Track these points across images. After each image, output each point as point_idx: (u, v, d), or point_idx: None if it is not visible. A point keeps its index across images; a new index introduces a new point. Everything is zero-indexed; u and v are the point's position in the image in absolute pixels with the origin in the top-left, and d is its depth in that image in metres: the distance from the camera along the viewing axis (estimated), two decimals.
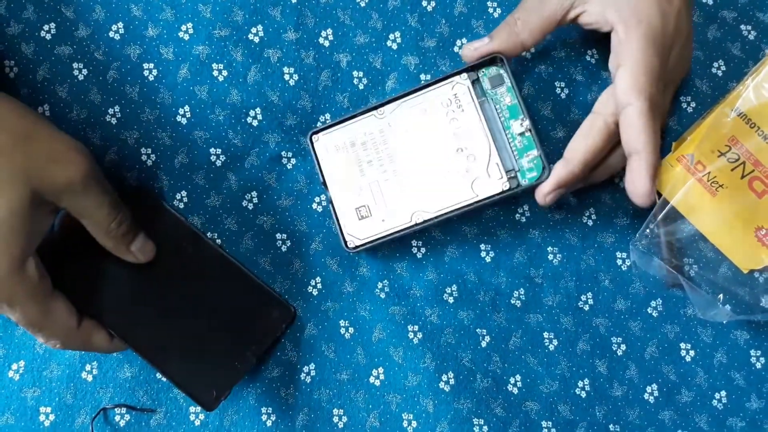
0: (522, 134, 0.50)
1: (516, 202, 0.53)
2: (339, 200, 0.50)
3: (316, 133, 0.51)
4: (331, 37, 0.53)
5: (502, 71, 0.51)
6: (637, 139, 0.46)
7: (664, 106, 0.50)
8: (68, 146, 0.43)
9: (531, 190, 0.50)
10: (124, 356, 0.51)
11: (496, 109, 0.51)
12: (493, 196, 0.49)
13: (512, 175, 0.50)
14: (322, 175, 0.50)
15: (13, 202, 0.41)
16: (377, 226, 0.50)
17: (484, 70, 0.51)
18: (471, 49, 0.50)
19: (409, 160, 0.50)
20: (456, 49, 0.54)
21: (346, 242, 0.50)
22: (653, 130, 0.46)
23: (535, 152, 0.50)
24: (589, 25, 0.49)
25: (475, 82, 0.51)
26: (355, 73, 0.53)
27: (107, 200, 0.45)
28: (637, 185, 0.47)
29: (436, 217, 0.50)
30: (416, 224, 0.50)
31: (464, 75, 0.51)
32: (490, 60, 0.51)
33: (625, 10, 0.47)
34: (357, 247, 0.50)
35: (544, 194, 0.49)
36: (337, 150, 0.51)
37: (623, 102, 0.46)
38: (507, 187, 0.50)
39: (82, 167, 0.43)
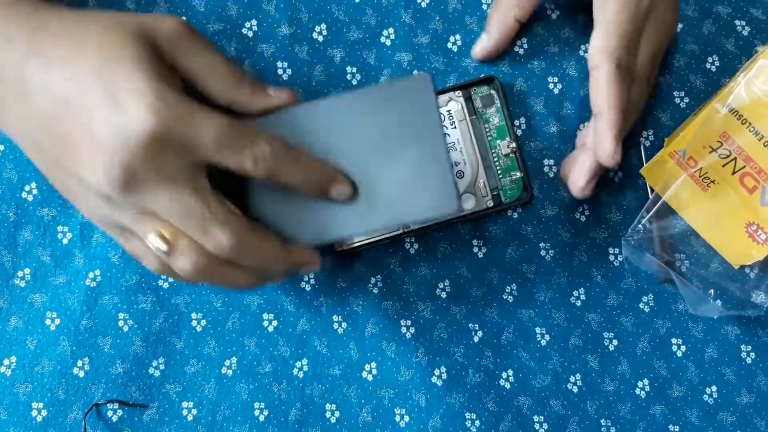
0: (507, 155, 0.52)
1: None
2: None
3: None
4: (325, 32, 0.53)
5: (493, 92, 0.53)
6: (603, 100, 0.46)
7: (645, 73, 0.49)
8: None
9: (511, 207, 0.53)
10: (116, 352, 0.51)
11: (485, 128, 0.53)
12: (478, 212, 0.52)
13: (495, 193, 0.52)
14: None
15: (134, 42, 0.39)
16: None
17: (476, 88, 0.53)
18: (477, 52, 0.53)
19: None
20: (450, 45, 0.54)
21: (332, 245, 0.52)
22: (619, 92, 0.46)
23: (518, 174, 0.52)
24: None
25: (468, 99, 0.53)
26: (348, 69, 0.53)
27: (224, 56, 0.42)
28: (603, 146, 0.46)
29: (423, 228, 0.52)
30: (403, 232, 0.52)
31: (458, 92, 0.53)
32: (484, 80, 0.53)
33: None
34: (344, 250, 0.52)
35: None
36: None
37: (593, 63, 0.46)
38: (491, 205, 0.52)
39: (184, 23, 0.41)
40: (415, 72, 0.54)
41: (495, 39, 0.52)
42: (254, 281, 0.43)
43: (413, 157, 0.43)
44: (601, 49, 0.46)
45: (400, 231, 0.51)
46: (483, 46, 0.53)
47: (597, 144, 0.46)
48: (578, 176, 0.49)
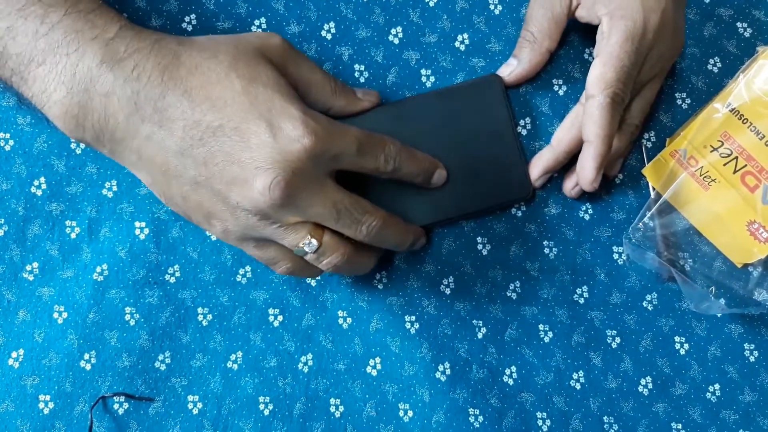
0: None
1: None
2: None
3: None
4: (333, 31, 0.54)
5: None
6: (591, 130, 0.48)
7: (635, 123, 0.52)
8: (262, 31, 0.50)
9: (513, 205, 0.54)
10: (122, 345, 0.52)
11: None
12: (482, 209, 0.52)
13: None
14: None
15: (268, 69, 0.44)
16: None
17: None
18: (509, 79, 0.53)
19: None
20: (457, 44, 0.54)
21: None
22: (609, 123, 0.48)
23: None
24: (582, 18, 0.51)
25: None
26: (356, 67, 0.54)
27: (318, 66, 0.48)
28: (584, 171, 0.49)
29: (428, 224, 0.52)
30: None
31: None
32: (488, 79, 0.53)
33: (612, 4, 0.48)
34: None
35: (533, 180, 0.53)
36: None
37: (589, 92, 0.48)
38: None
39: (281, 38, 0.46)
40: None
41: (527, 70, 0.52)
42: (375, 262, 0.50)
43: (488, 149, 0.51)
44: (598, 80, 0.48)
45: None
46: (517, 73, 0.52)
47: (580, 169, 0.50)
48: (533, 167, 0.53)
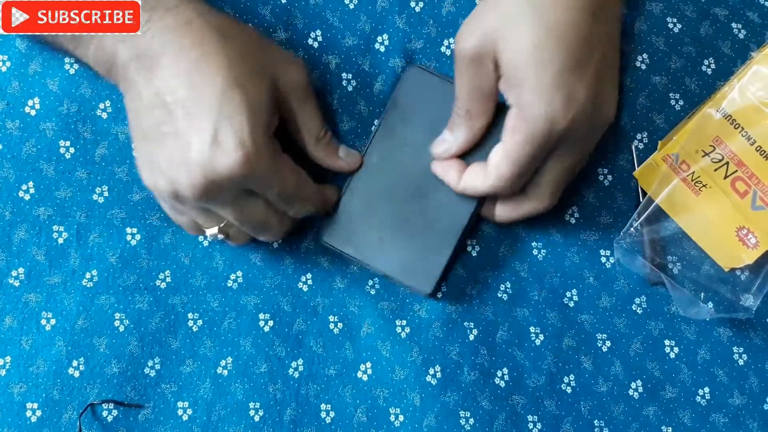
0: None
1: None
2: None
3: None
4: (320, 39, 0.54)
5: None
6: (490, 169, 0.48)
7: (553, 173, 0.49)
8: (295, 57, 0.49)
9: None
10: (111, 352, 0.51)
11: None
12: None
13: None
14: None
15: (261, 89, 0.45)
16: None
17: None
18: (441, 152, 0.51)
19: None
20: (443, 49, 0.54)
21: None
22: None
23: None
24: (502, 90, 0.48)
25: None
26: (344, 75, 0.54)
27: (318, 112, 0.50)
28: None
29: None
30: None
31: None
32: None
33: (521, 98, 0.45)
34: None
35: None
36: None
37: (488, 170, 0.48)
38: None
39: (305, 74, 0.49)
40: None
41: (462, 148, 0.50)
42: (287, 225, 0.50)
43: (428, 237, 0.51)
44: (494, 168, 0.47)
45: None
46: (452, 152, 0.50)
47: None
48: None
